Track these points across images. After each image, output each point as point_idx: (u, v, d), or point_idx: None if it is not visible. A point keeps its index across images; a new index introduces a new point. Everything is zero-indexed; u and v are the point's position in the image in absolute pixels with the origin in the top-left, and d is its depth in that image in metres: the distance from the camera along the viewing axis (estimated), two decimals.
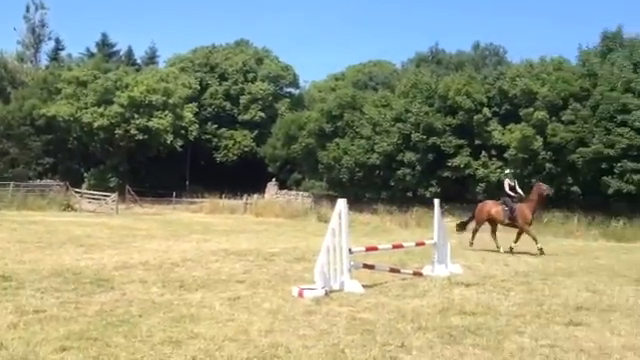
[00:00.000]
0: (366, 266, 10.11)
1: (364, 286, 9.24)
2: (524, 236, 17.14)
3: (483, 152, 34.50)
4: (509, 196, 17.80)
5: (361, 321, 7.13)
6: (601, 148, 29.87)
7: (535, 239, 16.83)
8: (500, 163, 33.63)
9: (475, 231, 18.43)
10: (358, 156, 38.29)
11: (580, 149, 30.65)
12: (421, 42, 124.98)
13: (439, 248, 11.58)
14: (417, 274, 11.08)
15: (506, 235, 18.05)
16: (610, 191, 29.80)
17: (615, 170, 29.76)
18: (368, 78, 54.97)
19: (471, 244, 17.77)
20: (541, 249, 16.34)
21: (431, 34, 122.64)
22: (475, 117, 34.51)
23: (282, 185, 47.92)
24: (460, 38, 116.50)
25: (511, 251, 16.57)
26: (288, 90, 60.95)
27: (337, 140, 40.25)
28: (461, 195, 35.34)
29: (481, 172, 33.84)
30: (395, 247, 12.26)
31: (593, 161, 30.16)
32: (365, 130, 38.93)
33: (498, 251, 16.81)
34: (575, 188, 31.17)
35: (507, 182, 18.26)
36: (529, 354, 6.05)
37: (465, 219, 19.60)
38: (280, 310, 7.56)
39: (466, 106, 34.54)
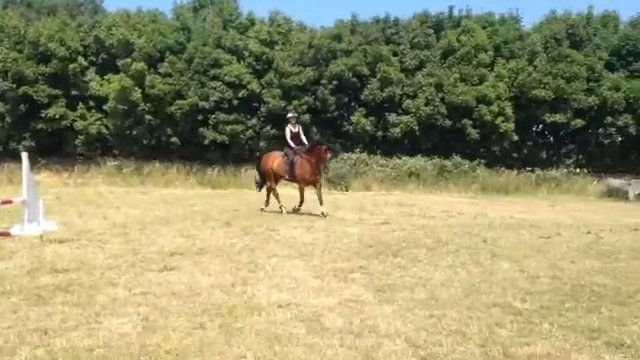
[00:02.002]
0: None
1: None
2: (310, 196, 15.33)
3: (81, 103, 33.06)
4: (290, 147, 15.34)
5: None
6: (197, 100, 31.25)
7: (301, 202, 14.96)
8: (100, 115, 32.76)
9: (269, 190, 15.80)
10: None
11: (178, 101, 31.59)
12: None
13: (29, 205, 10.70)
14: (4, 235, 10.06)
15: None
16: (206, 141, 31.50)
17: (210, 121, 31.52)
18: None
19: (266, 205, 15.48)
20: (296, 209, 14.86)
21: None
22: (71, 66, 32.73)
23: None
24: None
25: (323, 215, 14.17)
26: None
27: None
28: (60, 148, 33.52)
29: (80, 124, 32.44)
30: None
31: (190, 113, 31.41)
32: None
33: (281, 211, 15.06)
34: (174, 139, 32.14)
35: (289, 128, 15.51)
36: (121, 304, 5.97)
37: (257, 178, 16.79)
38: None
39: (60, 54, 32.50)
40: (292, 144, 15.26)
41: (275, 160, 15.61)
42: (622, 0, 43.81)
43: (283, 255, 8.82)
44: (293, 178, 15.24)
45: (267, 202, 15.62)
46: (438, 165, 27.48)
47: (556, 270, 8.13)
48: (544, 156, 31.97)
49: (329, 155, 14.93)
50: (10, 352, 4.65)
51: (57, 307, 5.81)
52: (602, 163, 30.77)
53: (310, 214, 14.59)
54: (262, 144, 32.06)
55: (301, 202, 15.05)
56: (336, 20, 34.16)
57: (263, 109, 31.80)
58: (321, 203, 14.59)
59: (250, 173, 28.54)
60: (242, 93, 31.61)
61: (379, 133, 30.67)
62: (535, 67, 30.64)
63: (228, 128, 31.29)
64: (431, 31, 32.66)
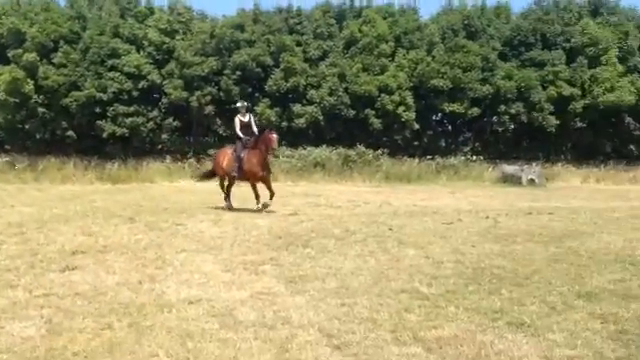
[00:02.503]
0: None
1: None
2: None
3: None
4: (239, 138, 14.05)
5: None
6: (94, 92, 30.16)
7: (257, 197, 13.73)
8: None
9: (222, 187, 14.75)
10: None
11: (73, 93, 30.37)
12: None
13: None
14: None
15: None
16: (105, 134, 30.50)
17: (108, 114, 30.51)
18: None
19: (228, 204, 14.39)
20: (265, 204, 13.56)
21: None
22: None
23: None
24: None
25: (265, 207, 13.56)
26: None
27: None
28: None
29: None
30: None
31: (87, 105, 30.29)
32: None
33: (230, 207, 14.15)
34: (70, 132, 30.95)
35: (238, 118, 14.22)
36: (23, 307, 5.72)
37: (205, 171, 15.86)
38: None
39: None
40: (241, 135, 14.03)
41: (225, 158, 14.42)
42: None
43: (191, 250, 8.69)
44: (242, 175, 14.03)
45: (228, 197, 14.63)
46: (342, 155, 27.79)
47: (459, 255, 8.44)
48: (443, 144, 33.09)
49: (275, 136, 13.66)
50: None
51: None
52: (497, 150, 32.14)
53: (216, 207, 14.43)
54: (164, 136, 31.44)
55: (257, 197, 13.84)
56: (238, 9, 33.84)
57: (164, 100, 31.11)
58: (271, 197, 13.80)
59: (152, 166, 27.94)
60: (142, 84, 30.80)
61: (284, 124, 30.68)
62: (433, 57, 31.55)
63: (128, 120, 30.43)
64: (333, 21, 32.95)
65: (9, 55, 30.90)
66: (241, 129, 14.11)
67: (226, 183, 14.76)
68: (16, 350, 4.62)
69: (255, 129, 14.20)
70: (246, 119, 14.27)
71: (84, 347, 4.69)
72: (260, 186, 14.12)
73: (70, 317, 5.42)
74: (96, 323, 5.28)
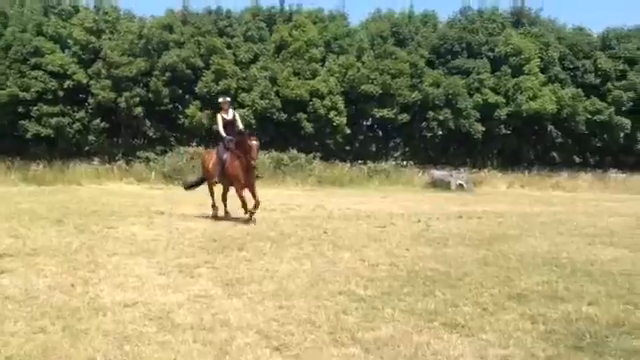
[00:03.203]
0: None
1: None
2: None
3: None
4: (222, 138, 12.85)
5: None
6: (17, 91, 29.13)
7: (243, 205, 12.52)
8: None
9: (212, 193, 13.43)
10: None
11: None
12: None
13: None
14: None
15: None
16: (29, 135, 29.49)
17: (32, 114, 29.53)
18: None
19: (225, 211, 13.26)
20: (252, 215, 12.30)
21: None
22: None
23: None
24: None
25: (251, 217, 12.32)
26: None
27: None
28: None
29: None
30: None
31: (9, 104, 29.21)
32: None
33: (228, 217, 13.03)
34: None
35: (220, 116, 12.95)
36: None
37: (193, 179, 14.84)
38: None
39: None
40: (224, 134, 12.71)
41: (211, 160, 13.19)
42: (440, 1, 47.41)
43: (124, 253, 8.52)
44: (226, 179, 12.77)
45: (222, 207, 13.47)
46: (275, 159, 27.76)
47: (393, 257, 8.59)
48: (374, 149, 33.50)
49: (255, 142, 12.29)
50: None
51: None
52: (426, 155, 32.81)
53: (148, 209, 14.17)
54: (91, 138, 30.62)
55: (244, 204, 12.57)
56: (167, 10, 33.26)
57: (91, 101, 30.30)
58: (250, 206, 12.52)
59: (79, 168, 27.17)
60: (67, 84, 29.93)
61: (215, 126, 30.35)
62: (363, 63, 31.91)
63: (53, 121, 29.52)
64: (264, 25, 32.90)
65: None
66: (224, 128, 12.84)
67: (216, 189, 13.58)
68: None
69: (241, 126, 13.12)
70: (229, 116, 12.96)
71: (17, 351, 4.57)
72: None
73: (0, 321, 5.25)
74: (29, 327, 5.13)
